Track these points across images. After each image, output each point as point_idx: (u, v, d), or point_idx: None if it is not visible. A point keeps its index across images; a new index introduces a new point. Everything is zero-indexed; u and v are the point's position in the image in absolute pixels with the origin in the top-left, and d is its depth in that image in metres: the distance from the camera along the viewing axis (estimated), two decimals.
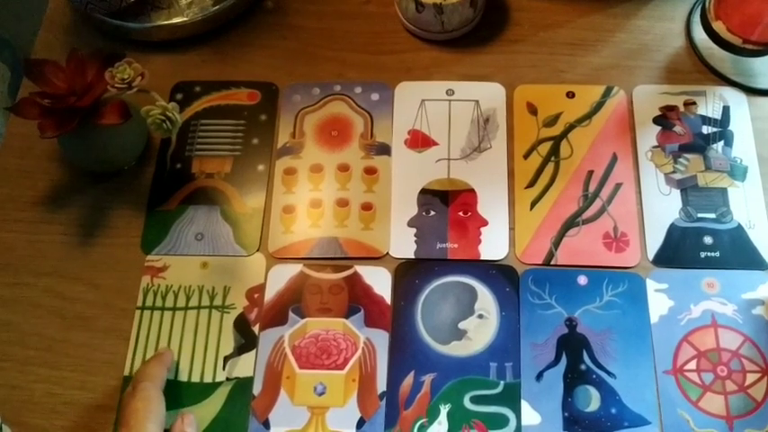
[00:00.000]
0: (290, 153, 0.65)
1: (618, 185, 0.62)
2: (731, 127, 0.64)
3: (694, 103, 0.65)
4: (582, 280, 0.59)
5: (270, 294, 0.59)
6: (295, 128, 0.66)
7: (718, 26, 0.64)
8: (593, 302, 0.58)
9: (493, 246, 0.60)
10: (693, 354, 0.56)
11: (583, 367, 0.56)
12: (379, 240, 0.61)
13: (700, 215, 0.61)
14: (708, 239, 0.60)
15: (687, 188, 0.62)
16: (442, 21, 0.67)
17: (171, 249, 0.61)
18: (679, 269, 0.59)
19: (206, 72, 0.69)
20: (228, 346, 0.58)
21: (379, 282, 0.59)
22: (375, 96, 0.67)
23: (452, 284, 0.59)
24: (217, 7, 0.69)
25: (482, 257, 0.60)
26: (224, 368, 0.57)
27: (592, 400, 0.55)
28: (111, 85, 0.57)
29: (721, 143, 0.64)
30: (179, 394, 0.56)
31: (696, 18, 0.68)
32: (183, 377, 0.56)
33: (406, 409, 0.55)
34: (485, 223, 0.61)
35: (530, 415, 0.54)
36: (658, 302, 0.58)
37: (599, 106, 0.66)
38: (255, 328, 0.58)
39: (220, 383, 0.56)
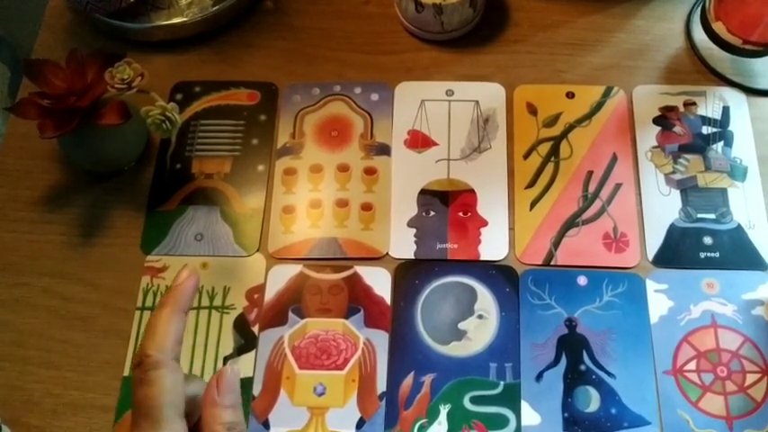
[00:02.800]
0: (289, 153, 0.65)
1: (618, 186, 0.62)
2: (731, 127, 0.64)
3: (694, 104, 0.65)
4: (582, 280, 0.59)
5: (270, 295, 0.59)
6: (295, 128, 0.66)
7: (718, 27, 0.64)
8: (593, 303, 0.58)
9: (493, 246, 0.60)
10: (693, 354, 0.56)
11: (583, 368, 0.56)
12: (378, 241, 0.61)
13: (699, 215, 0.61)
14: (708, 240, 0.60)
15: (687, 188, 0.62)
16: (441, 21, 0.67)
17: (171, 250, 0.61)
18: (679, 269, 0.59)
19: (206, 72, 0.69)
20: (228, 346, 0.58)
21: (379, 282, 0.59)
22: (375, 96, 0.67)
23: (452, 285, 0.59)
24: (216, 7, 0.69)
25: (482, 258, 0.60)
26: None
27: (592, 401, 0.55)
28: (110, 86, 0.57)
29: (721, 143, 0.63)
30: None
31: (696, 18, 0.68)
32: None
33: (406, 410, 0.55)
34: (484, 223, 0.61)
35: (530, 415, 0.54)
36: (658, 303, 0.58)
37: (599, 106, 0.66)
38: (255, 329, 0.58)
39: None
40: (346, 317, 0.58)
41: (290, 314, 0.58)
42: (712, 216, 0.61)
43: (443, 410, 0.55)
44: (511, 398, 0.55)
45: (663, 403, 0.54)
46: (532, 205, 0.62)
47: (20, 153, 0.66)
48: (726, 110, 0.65)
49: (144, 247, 0.61)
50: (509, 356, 0.56)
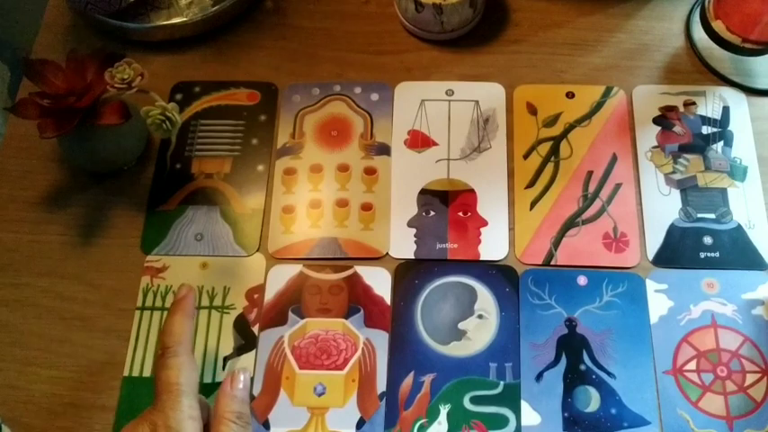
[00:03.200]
0: (289, 153, 0.65)
1: (618, 185, 0.62)
2: (731, 127, 0.64)
3: (694, 104, 0.65)
4: (582, 280, 0.59)
5: (269, 295, 0.59)
6: (295, 128, 0.66)
7: (718, 25, 0.64)
8: (593, 303, 0.58)
9: (493, 246, 0.60)
10: (693, 354, 0.56)
11: (582, 367, 0.56)
12: (378, 241, 0.61)
13: (699, 215, 0.61)
14: (707, 240, 0.60)
15: (687, 188, 0.62)
16: (441, 21, 0.67)
17: (171, 250, 0.61)
18: (679, 269, 0.59)
19: (206, 72, 0.69)
20: (228, 346, 0.58)
21: (379, 282, 0.59)
22: (375, 96, 0.67)
23: (452, 285, 0.59)
24: (217, 7, 0.69)
25: (482, 258, 0.60)
26: (224, 368, 0.57)
27: (591, 401, 0.55)
28: (110, 86, 0.57)
29: (721, 143, 0.64)
30: None
31: (696, 18, 0.68)
32: None
33: (406, 410, 0.55)
34: (484, 223, 0.61)
35: (529, 415, 0.54)
36: (658, 303, 0.58)
37: (599, 106, 0.66)
38: (255, 329, 0.58)
39: (220, 384, 0.56)
40: (346, 317, 0.58)
41: (290, 314, 0.58)
42: (712, 216, 0.61)
43: (443, 410, 0.55)
44: (511, 398, 0.55)
45: (663, 403, 0.54)
46: (532, 205, 0.62)
47: (20, 153, 0.66)
48: (726, 110, 0.65)
49: (144, 247, 0.61)
50: (509, 356, 0.56)
